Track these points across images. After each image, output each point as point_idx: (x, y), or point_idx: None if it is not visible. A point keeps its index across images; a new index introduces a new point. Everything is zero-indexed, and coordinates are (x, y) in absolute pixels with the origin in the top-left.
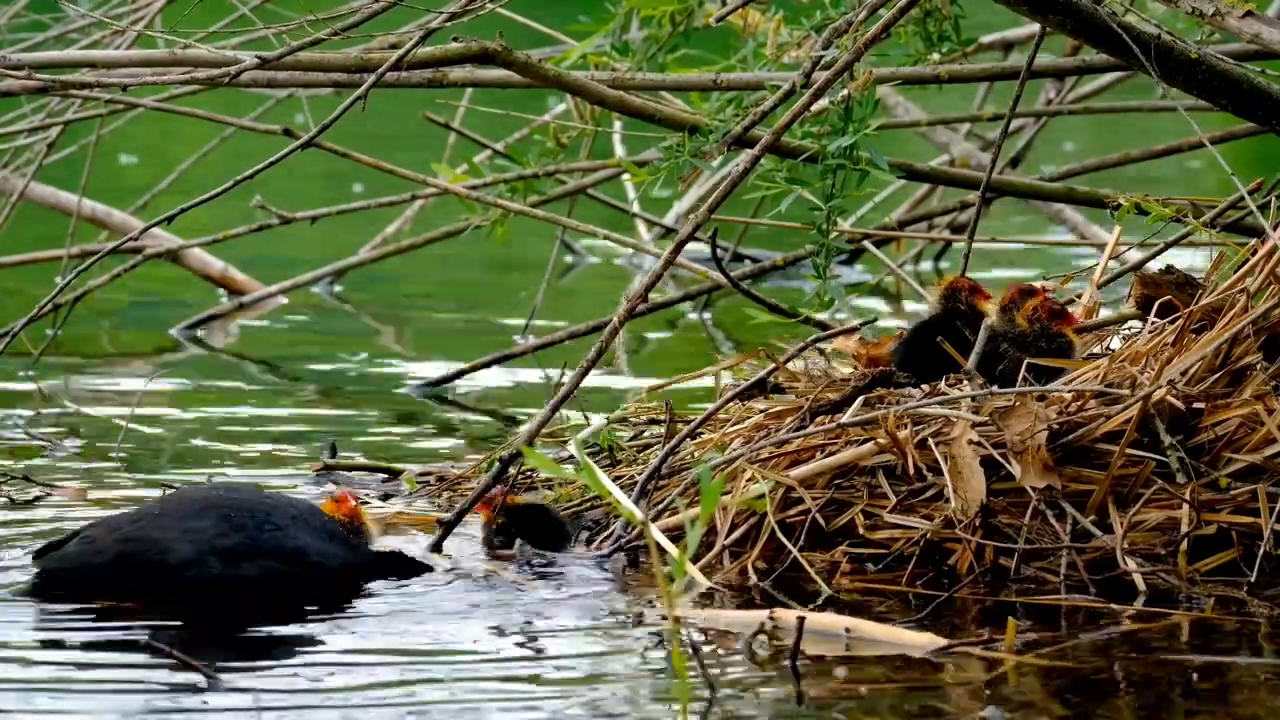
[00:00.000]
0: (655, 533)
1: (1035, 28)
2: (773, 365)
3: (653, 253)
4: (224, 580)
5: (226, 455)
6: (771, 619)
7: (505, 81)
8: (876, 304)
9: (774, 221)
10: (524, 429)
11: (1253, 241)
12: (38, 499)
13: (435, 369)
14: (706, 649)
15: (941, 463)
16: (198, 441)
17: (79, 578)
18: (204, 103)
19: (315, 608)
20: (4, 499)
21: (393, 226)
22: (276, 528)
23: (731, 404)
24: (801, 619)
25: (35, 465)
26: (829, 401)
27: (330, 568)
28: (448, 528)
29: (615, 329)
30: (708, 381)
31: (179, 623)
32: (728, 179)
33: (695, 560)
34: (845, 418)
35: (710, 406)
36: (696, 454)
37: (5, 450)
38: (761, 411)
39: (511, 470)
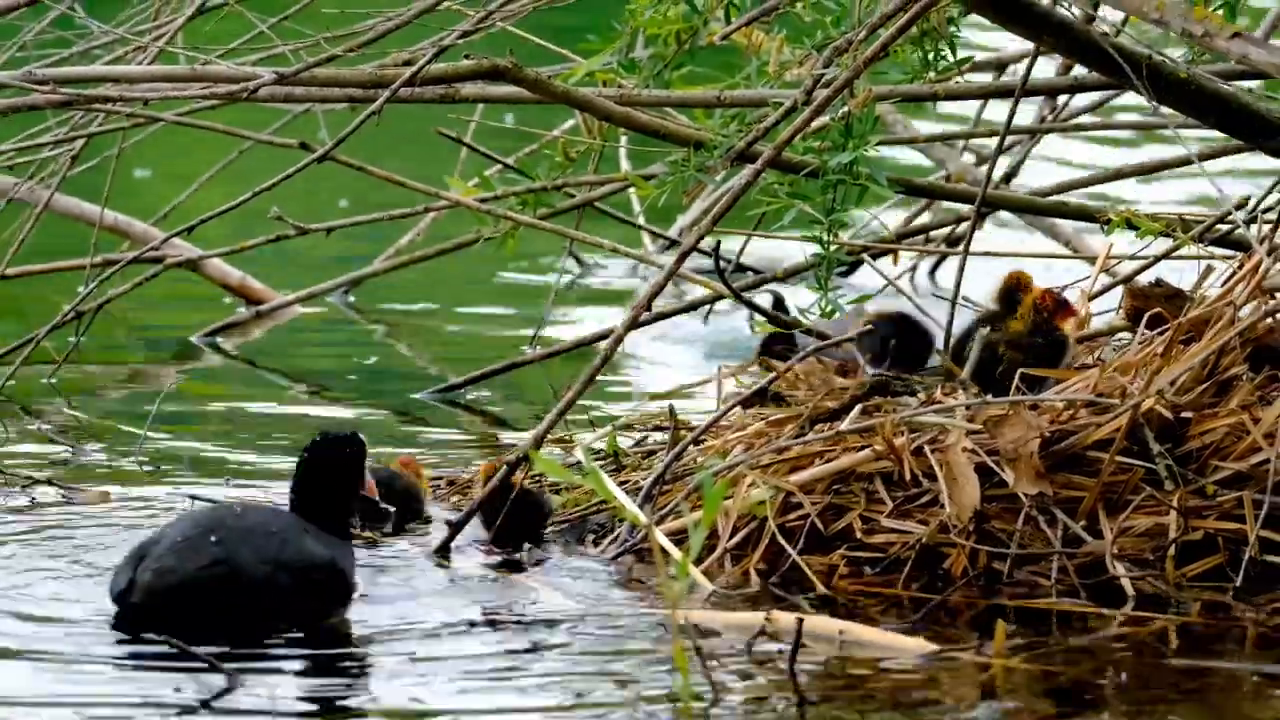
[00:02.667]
0: (659, 536)
1: (1029, 47)
2: (773, 374)
3: (658, 264)
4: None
5: (243, 460)
6: (769, 620)
7: (515, 97)
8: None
9: (784, 235)
10: (531, 433)
11: (1239, 256)
12: (61, 502)
13: (446, 376)
14: (708, 649)
15: (937, 469)
16: (215, 446)
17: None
18: (222, 117)
19: (325, 610)
20: (28, 502)
21: (406, 238)
22: (301, 541)
23: (733, 411)
24: (800, 621)
25: (58, 470)
26: (828, 409)
27: (346, 573)
28: (455, 529)
29: (619, 337)
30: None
31: (197, 624)
32: (730, 192)
33: (698, 563)
34: (844, 425)
35: (713, 414)
36: (699, 460)
37: (29, 454)
38: (762, 419)
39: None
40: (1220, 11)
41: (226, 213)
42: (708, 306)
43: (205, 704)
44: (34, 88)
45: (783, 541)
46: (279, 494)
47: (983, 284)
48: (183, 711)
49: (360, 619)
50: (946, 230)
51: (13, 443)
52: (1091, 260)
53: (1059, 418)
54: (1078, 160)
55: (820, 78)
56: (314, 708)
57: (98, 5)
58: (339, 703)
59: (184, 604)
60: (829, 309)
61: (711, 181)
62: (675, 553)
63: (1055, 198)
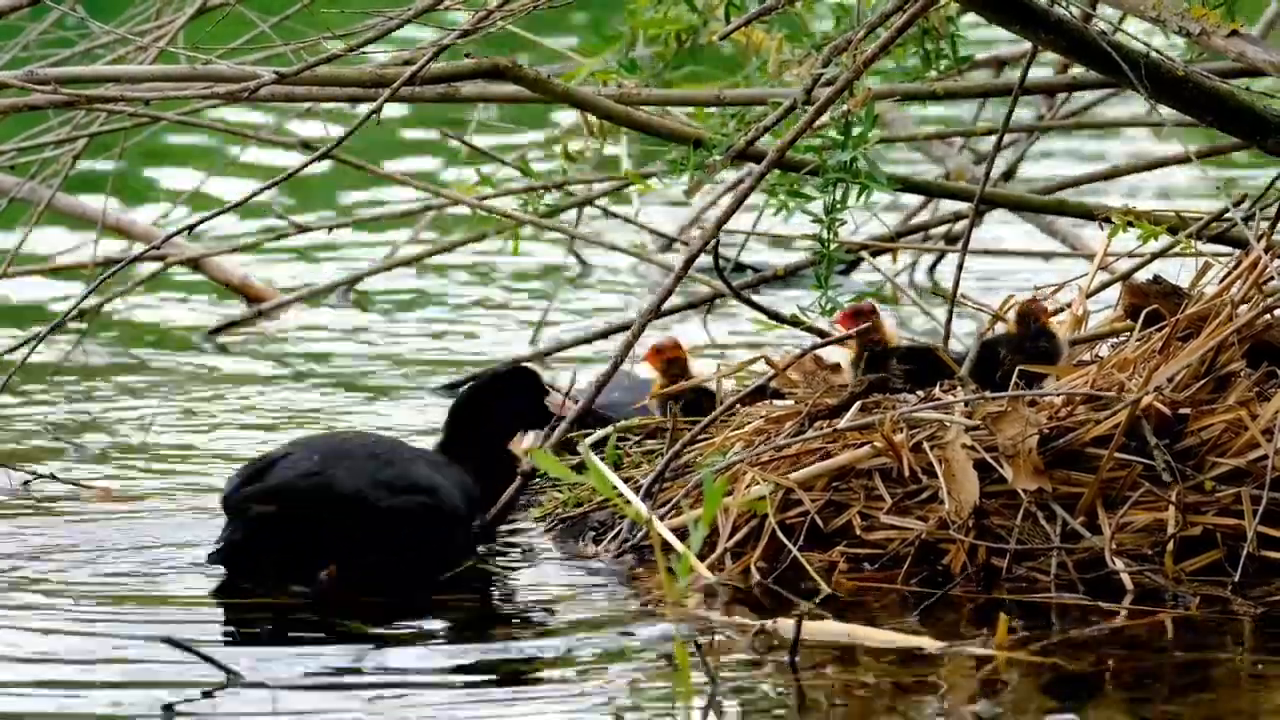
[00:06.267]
0: (662, 530)
1: (1028, 46)
2: (772, 371)
3: (657, 262)
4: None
5: (247, 457)
6: (771, 622)
7: (515, 96)
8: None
9: (784, 233)
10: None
11: (1237, 253)
12: (64, 500)
13: (449, 373)
14: (708, 645)
15: (936, 466)
16: (218, 444)
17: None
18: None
19: (324, 602)
20: (31, 499)
21: (408, 235)
22: (415, 466)
23: (733, 408)
24: (800, 620)
25: (61, 467)
26: (827, 406)
27: (459, 507)
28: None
29: (629, 343)
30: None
31: (199, 618)
32: (735, 193)
33: (698, 560)
34: (843, 422)
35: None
36: (700, 457)
37: (32, 452)
38: (762, 416)
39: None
40: (1218, 9)
41: (226, 212)
42: (707, 305)
43: (206, 697)
44: (36, 88)
45: (783, 538)
46: None
47: (980, 282)
48: (183, 706)
49: (359, 616)
50: (945, 228)
51: (15, 441)
52: (1089, 257)
53: (1058, 414)
54: (1078, 153)
55: (820, 77)
56: (313, 703)
57: (99, 6)
58: (338, 698)
59: (290, 510)
60: (829, 306)
61: (710, 181)
62: (679, 546)
63: (1054, 195)
